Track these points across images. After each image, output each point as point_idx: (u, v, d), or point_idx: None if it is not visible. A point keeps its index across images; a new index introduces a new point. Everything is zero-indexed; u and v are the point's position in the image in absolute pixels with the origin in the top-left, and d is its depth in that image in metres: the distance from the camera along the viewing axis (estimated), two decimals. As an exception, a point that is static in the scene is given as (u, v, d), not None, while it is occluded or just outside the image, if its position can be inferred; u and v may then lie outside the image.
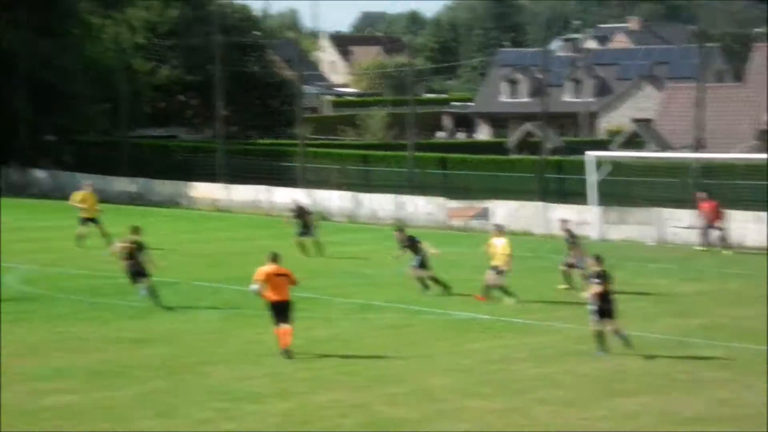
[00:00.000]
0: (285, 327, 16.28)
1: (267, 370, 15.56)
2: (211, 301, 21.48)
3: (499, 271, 21.29)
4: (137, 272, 20.50)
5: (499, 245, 21.49)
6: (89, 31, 61.44)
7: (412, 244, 22.63)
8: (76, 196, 30.48)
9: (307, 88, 75.76)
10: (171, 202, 46.95)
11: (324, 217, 37.68)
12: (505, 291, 21.30)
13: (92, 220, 29.52)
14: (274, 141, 58.51)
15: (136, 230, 21.29)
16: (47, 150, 59.28)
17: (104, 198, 48.61)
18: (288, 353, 16.21)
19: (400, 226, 24.66)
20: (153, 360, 16.07)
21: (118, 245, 21.53)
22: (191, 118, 69.14)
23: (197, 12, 64.87)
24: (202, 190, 46.49)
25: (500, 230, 22.45)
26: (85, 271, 24.26)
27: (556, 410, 13.67)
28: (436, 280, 22.39)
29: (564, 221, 25.68)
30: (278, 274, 16.34)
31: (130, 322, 19.09)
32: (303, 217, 28.75)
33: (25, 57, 52.80)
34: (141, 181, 49.09)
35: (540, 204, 36.42)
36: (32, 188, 52.48)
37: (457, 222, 38.18)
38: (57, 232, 32.44)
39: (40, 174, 53.74)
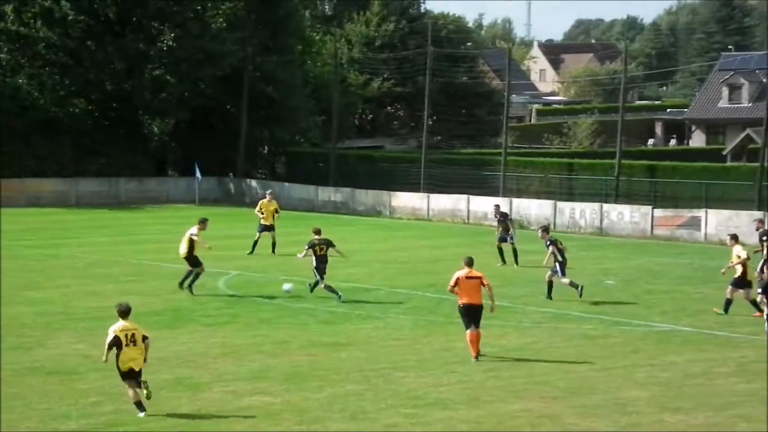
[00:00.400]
0: (474, 331, 16.42)
1: (457, 377, 15.56)
2: (404, 308, 21.74)
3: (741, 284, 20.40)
4: (321, 268, 22.00)
5: (735, 253, 20.75)
6: (310, 47, 63.96)
7: (553, 245, 22.30)
8: (261, 205, 31.54)
9: (515, 97, 75.46)
10: (373, 211, 47.96)
11: (522, 225, 37.43)
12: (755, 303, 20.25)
13: (269, 227, 30.60)
14: (477, 150, 58.63)
15: (318, 231, 22.90)
16: (262, 161, 62.06)
17: (311, 207, 50.67)
18: (477, 358, 16.40)
19: (545, 226, 24.33)
20: (347, 364, 16.40)
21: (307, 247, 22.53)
22: (398, 128, 70.51)
23: (412, 25, 66.23)
24: (404, 199, 47.21)
25: (735, 239, 21.53)
26: (286, 277, 25.08)
27: (764, 428, 12.95)
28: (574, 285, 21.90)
29: (760, 221, 24.55)
30: (471, 277, 16.54)
31: (327, 327, 19.58)
32: (504, 222, 28.92)
33: (249, 73, 55.59)
34: (346, 190, 50.40)
35: (756, 213, 34.67)
36: (245, 197, 54.94)
37: (663, 231, 36.95)
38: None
39: (253, 183, 56.22)
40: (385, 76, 65.82)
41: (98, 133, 54.31)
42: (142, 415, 13.14)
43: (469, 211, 43.40)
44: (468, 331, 16.53)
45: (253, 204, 53.74)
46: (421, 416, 13.52)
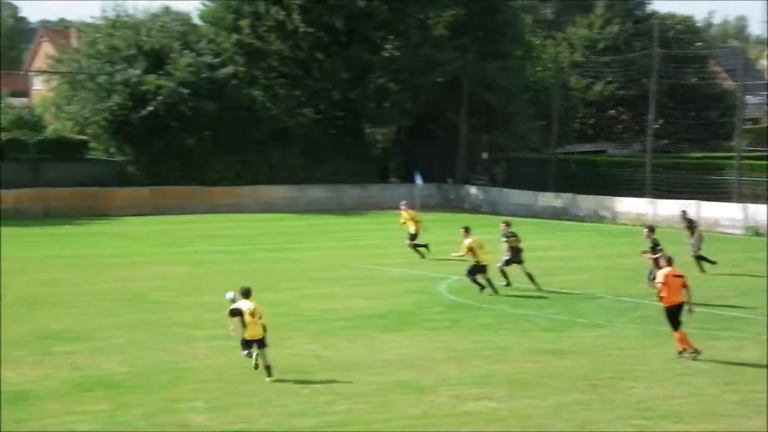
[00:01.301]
0: (681, 332, 16.52)
1: (690, 389, 14.94)
2: (631, 317, 21.14)
3: None
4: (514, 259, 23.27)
5: None
6: (531, 52, 63.69)
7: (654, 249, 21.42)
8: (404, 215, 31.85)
9: (750, 98, 71.92)
10: (595, 217, 46.97)
11: (757, 232, 35.62)
12: None
13: (413, 236, 30.99)
14: (707, 154, 56.25)
15: (508, 223, 24.51)
16: (481, 167, 62.22)
17: (530, 213, 50.26)
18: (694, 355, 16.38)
19: (651, 226, 23.15)
20: (571, 372, 16.11)
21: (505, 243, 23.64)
22: (620, 132, 68.82)
23: (638, 26, 64.61)
24: (627, 205, 45.97)
25: None
26: (504, 282, 24.99)
27: None
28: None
29: None
30: (676, 275, 16.71)
31: (549, 334, 19.33)
32: (692, 230, 27.82)
33: (469, 80, 55.99)
34: (566, 196, 49.66)
35: None
36: (464, 203, 55.23)
37: None
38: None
39: (472, 190, 56.43)
40: (608, 79, 64.44)
41: (325, 142, 56.16)
42: (269, 378, 15.01)
43: (699, 217, 41.75)
44: (676, 333, 16.67)
45: (473, 210, 54.21)
46: (652, 428, 13.09)
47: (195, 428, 12.77)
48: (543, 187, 51.62)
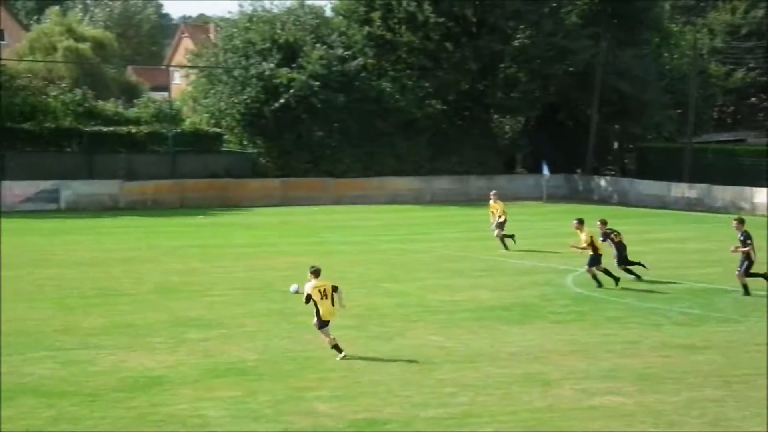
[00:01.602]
0: None
1: (830, 389, 14.27)
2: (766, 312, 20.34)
3: None
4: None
5: None
6: (668, 39, 62.05)
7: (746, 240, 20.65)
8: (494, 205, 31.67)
9: None
10: (732, 208, 45.38)
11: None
12: None
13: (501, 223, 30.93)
14: None
15: (604, 221, 23.87)
16: (611, 157, 61.00)
17: (662, 204, 48.97)
18: None
19: (740, 218, 22.38)
20: (704, 368, 15.57)
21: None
22: (762, 121, 66.31)
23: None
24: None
25: None
26: (632, 277, 24.40)
27: None
28: None
29: None
30: None
31: (681, 329, 18.74)
32: None
33: (602, 68, 54.91)
34: (702, 186, 48.18)
35: None
36: (593, 194, 54.23)
37: None
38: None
39: (602, 182, 55.35)
40: (750, 65, 62.12)
41: (452, 133, 56.04)
42: (341, 354, 15.63)
43: None
44: None
45: (602, 201, 53.16)
46: (790, 428, 12.53)
47: (320, 416, 12.88)
48: (676, 178, 50.20)
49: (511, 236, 30.94)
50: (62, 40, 72.88)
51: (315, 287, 15.79)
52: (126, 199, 48.45)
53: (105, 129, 50.83)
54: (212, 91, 55.16)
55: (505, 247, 30.65)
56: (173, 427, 12.36)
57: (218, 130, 54.33)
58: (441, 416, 12.97)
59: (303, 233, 37.28)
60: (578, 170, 57.21)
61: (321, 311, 15.74)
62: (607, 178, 56.11)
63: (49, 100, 52.09)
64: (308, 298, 15.78)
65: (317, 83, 51.78)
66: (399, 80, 55.87)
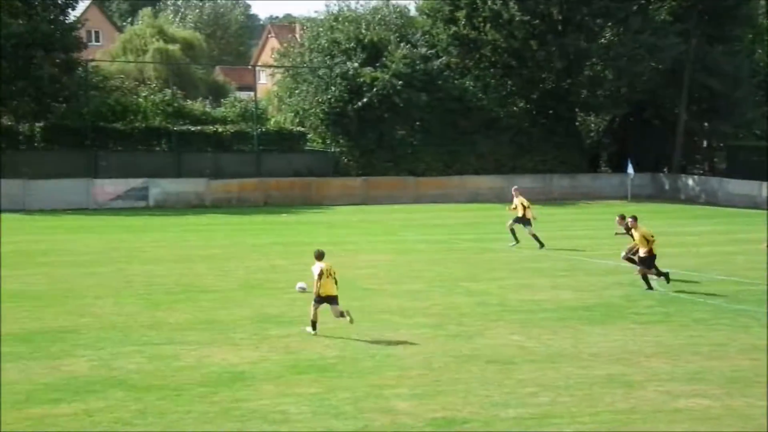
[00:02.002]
0: None
1: None
2: None
3: None
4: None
5: None
6: (761, 35, 60.50)
7: None
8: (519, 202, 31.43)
9: None
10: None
11: None
12: None
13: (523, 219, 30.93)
14: None
15: (624, 216, 23.88)
16: (700, 156, 59.69)
17: (753, 204, 47.69)
18: None
19: None
20: (795, 372, 15.14)
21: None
22: None
23: None
24: None
25: None
26: (723, 277, 23.83)
27: None
28: None
29: None
30: None
31: (771, 332, 18.27)
32: None
33: (691, 66, 53.81)
34: (792, 185, 46.90)
35: None
36: (680, 194, 53.15)
37: None
38: (698, 237, 32.48)
39: (689, 182, 54.20)
40: None
41: (535, 131, 55.53)
42: (312, 331, 17.31)
43: None
44: None
45: (689, 201, 52.06)
46: None
47: (399, 414, 12.86)
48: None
49: (537, 239, 30.69)
50: (153, 42, 74.48)
51: (324, 268, 17.33)
52: (212, 197, 49.20)
53: (193, 128, 51.72)
54: (297, 91, 55.65)
55: (540, 243, 30.51)
56: (255, 422, 12.47)
57: (302, 129, 54.79)
58: (521, 416, 12.83)
59: (383, 232, 37.34)
60: (665, 169, 56.14)
61: (322, 288, 17.29)
62: (695, 177, 54.94)
63: (140, 100, 53.23)
64: (321, 274, 17.21)
65: (400, 82, 51.84)
66: (482, 79, 55.58)
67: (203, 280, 24.12)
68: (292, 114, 55.76)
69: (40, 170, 46.97)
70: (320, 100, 53.53)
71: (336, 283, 17.37)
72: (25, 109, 49.69)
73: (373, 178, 52.62)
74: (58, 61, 49.26)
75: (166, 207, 47.46)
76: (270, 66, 64.78)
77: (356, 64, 52.87)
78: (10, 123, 49.85)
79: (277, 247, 31.69)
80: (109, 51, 77.31)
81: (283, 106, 57.80)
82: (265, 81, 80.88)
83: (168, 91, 53.99)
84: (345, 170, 53.61)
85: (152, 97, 53.24)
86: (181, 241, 33.15)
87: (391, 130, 53.73)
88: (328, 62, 54.09)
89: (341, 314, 17.31)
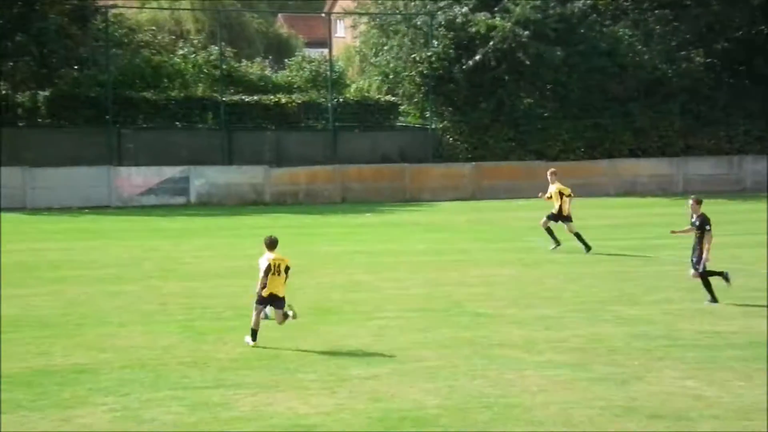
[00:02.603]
0: None
1: None
2: None
3: None
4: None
5: None
6: None
7: None
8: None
9: None
10: None
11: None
12: None
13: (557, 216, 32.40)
14: None
15: (699, 201, 24.26)
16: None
17: None
18: None
19: None
20: None
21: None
22: None
23: None
24: None
25: None
26: None
27: None
28: None
29: None
30: None
31: None
32: None
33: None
34: None
35: None
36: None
37: None
38: None
39: None
40: None
41: (718, 97, 54.65)
42: (251, 342, 19.31)
43: None
44: None
45: None
46: None
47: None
48: None
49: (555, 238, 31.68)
50: (194, -19, 75.57)
51: (273, 260, 19.13)
52: (272, 191, 49.80)
53: (247, 98, 52.38)
54: (386, 47, 55.92)
55: (556, 241, 31.51)
56: (331, 495, 12.55)
57: (392, 98, 55.03)
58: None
59: (502, 236, 37.25)
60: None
61: (267, 287, 19.08)
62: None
63: (177, 60, 54.01)
64: (268, 269, 18.96)
65: (526, 32, 51.68)
66: (643, 24, 54.91)
67: (261, 302, 24.36)
68: (379, 78, 56.04)
69: (46, 154, 48.00)
70: (417, 58, 53.65)
71: (286, 281, 19.20)
72: (24, 73, 50.69)
73: (487, 163, 52.56)
74: (68, 6, 50.04)
75: (211, 204, 48.18)
76: (350, 13, 65.29)
77: (466, 9, 52.84)
78: (5, 91, 50.90)
79: (358, 257, 31.80)
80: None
81: (368, 68, 58.16)
82: (342, 34, 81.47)
83: (214, 49, 54.67)
84: (449, 154, 53.66)
85: (194, 56, 54.00)
86: (233, 249, 33.53)
87: (513, 97, 53.60)
88: (428, 7, 54.16)
89: (285, 317, 19.40)
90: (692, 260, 24.25)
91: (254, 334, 19.38)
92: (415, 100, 55.38)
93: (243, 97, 52.46)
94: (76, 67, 51.58)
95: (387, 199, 49.68)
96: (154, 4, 73.83)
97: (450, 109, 54.30)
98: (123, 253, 31.83)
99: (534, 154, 53.51)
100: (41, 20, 47.95)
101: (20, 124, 50.43)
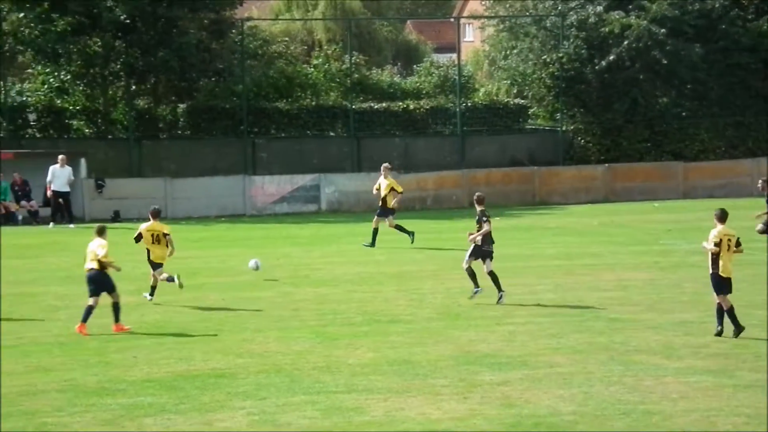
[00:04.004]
0: None
1: None
2: None
3: None
4: None
5: None
6: None
7: None
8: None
9: None
10: None
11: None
12: None
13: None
14: None
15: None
16: None
17: None
18: None
19: None
20: None
21: None
22: None
23: None
24: None
25: None
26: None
27: None
28: None
29: None
30: None
31: None
32: None
33: None
34: None
35: None
36: None
37: None
38: None
39: None
40: None
41: None
42: (149, 298, 24.35)
43: None
44: None
45: None
46: None
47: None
48: None
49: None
50: (324, -11, 75.90)
51: (148, 230, 23.54)
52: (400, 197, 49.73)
53: (376, 105, 52.62)
54: (515, 50, 55.68)
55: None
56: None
57: (521, 101, 54.76)
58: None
59: (636, 239, 36.79)
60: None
61: (151, 255, 23.89)
62: None
63: (311, 70, 54.47)
64: (138, 237, 23.53)
65: (663, 30, 50.93)
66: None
67: (393, 308, 24.49)
68: (508, 81, 55.81)
69: (185, 165, 48.92)
70: (548, 60, 53.32)
71: (167, 247, 23.99)
72: (165, 87, 51.78)
73: (621, 165, 51.96)
74: (206, 22, 50.90)
75: (341, 211, 48.45)
76: (479, 17, 65.07)
77: (600, 8, 52.36)
78: (147, 105, 52.10)
79: (489, 262, 31.67)
80: (269, 5, 79.32)
81: (496, 72, 57.93)
82: (471, 38, 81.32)
83: (347, 58, 54.96)
84: (581, 155, 53.18)
85: (326, 66, 54.36)
86: (362, 255, 33.76)
87: (649, 97, 52.91)
88: (560, 8, 53.80)
89: (153, 286, 24.60)
90: None
91: (153, 290, 24.66)
92: (545, 102, 54.99)
93: (372, 105, 52.72)
94: (213, 79, 52.40)
95: (516, 203, 49.43)
96: (287, 16, 74.61)
97: (581, 110, 53.79)
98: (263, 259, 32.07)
99: (671, 154, 52.70)
100: (182, 36, 48.93)
101: (162, 136, 51.58)
